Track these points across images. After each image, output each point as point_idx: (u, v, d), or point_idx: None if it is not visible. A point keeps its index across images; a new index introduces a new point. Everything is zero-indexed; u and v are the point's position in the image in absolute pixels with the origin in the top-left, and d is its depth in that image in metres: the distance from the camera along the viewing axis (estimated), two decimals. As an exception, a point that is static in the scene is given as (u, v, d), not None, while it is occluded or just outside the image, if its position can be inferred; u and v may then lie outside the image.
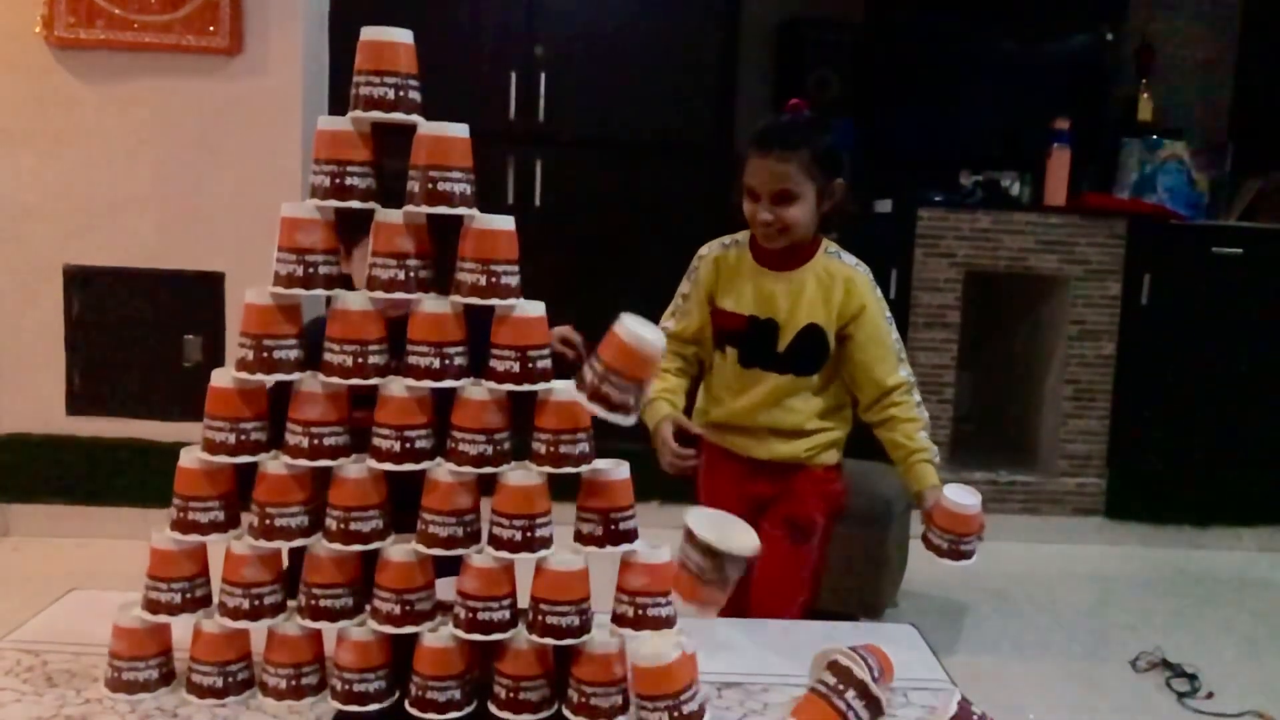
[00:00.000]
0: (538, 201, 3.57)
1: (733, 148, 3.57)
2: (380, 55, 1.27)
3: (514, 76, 3.53)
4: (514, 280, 1.29)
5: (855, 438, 2.09)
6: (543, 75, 3.54)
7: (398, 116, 1.28)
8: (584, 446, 1.30)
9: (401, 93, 1.27)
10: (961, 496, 1.75)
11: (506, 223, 1.29)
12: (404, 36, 1.28)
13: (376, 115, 1.27)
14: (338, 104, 3.44)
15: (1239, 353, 3.75)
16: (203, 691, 1.29)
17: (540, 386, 1.29)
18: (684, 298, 2.02)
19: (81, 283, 3.32)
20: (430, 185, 1.26)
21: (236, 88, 3.25)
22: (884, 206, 3.71)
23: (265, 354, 1.28)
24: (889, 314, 1.96)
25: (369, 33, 1.27)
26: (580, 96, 3.57)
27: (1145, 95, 4.01)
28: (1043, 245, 3.71)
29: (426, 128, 1.28)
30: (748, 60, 3.89)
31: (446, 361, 1.27)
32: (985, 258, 3.71)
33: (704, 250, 2.02)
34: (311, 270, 1.28)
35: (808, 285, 1.92)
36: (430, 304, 1.28)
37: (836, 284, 1.91)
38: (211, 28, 3.19)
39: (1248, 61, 4.16)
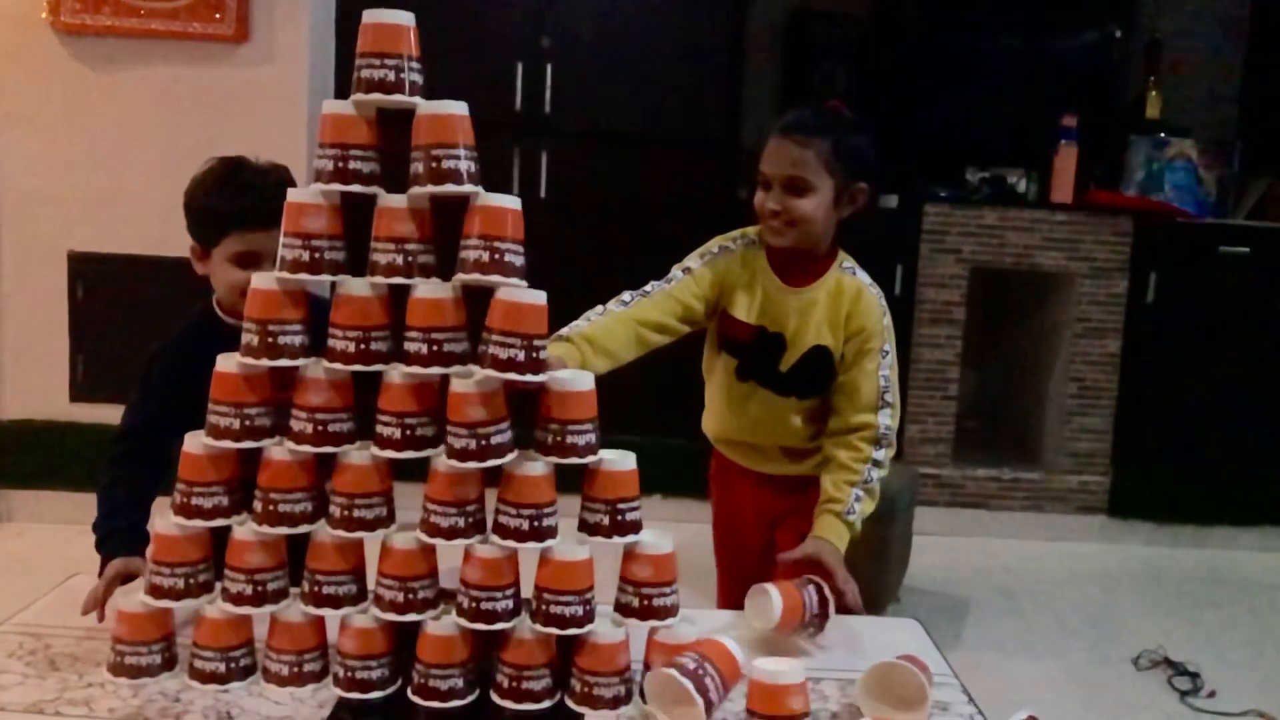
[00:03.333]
0: (543, 193, 3.57)
1: (738, 141, 3.56)
2: (381, 37, 1.26)
3: (520, 67, 3.52)
4: (518, 260, 1.27)
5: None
6: (549, 66, 3.53)
7: (398, 99, 1.26)
8: (590, 437, 1.29)
9: (402, 75, 1.26)
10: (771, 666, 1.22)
11: (513, 202, 1.28)
12: (406, 19, 1.27)
13: (377, 98, 1.26)
14: (344, 92, 3.40)
15: (1244, 352, 3.74)
16: (205, 677, 1.28)
17: (545, 376, 1.28)
18: (686, 271, 1.78)
19: (86, 269, 3.32)
20: (434, 164, 1.25)
21: (242, 75, 3.25)
22: (890, 202, 3.71)
23: (270, 339, 1.27)
24: (889, 349, 1.75)
25: (371, 15, 1.27)
26: (586, 88, 3.57)
27: (1153, 93, 4.00)
28: (1049, 242, 3.70)
29: (426, 107, 1.27)
30: (754, 54, 3.88)
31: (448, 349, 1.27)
32: (991, 254, 3.71)
33: (730, 244, 1.81)
34: (318, 255, 1.27)
35: (819, 302, 1.75)
36: (425, 289, 1.27)
37: (845, 299, 1.75)
38: (218, 15, 3.18)
39: (1256, 60, 4.15)
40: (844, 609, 1.54)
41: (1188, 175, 3.88)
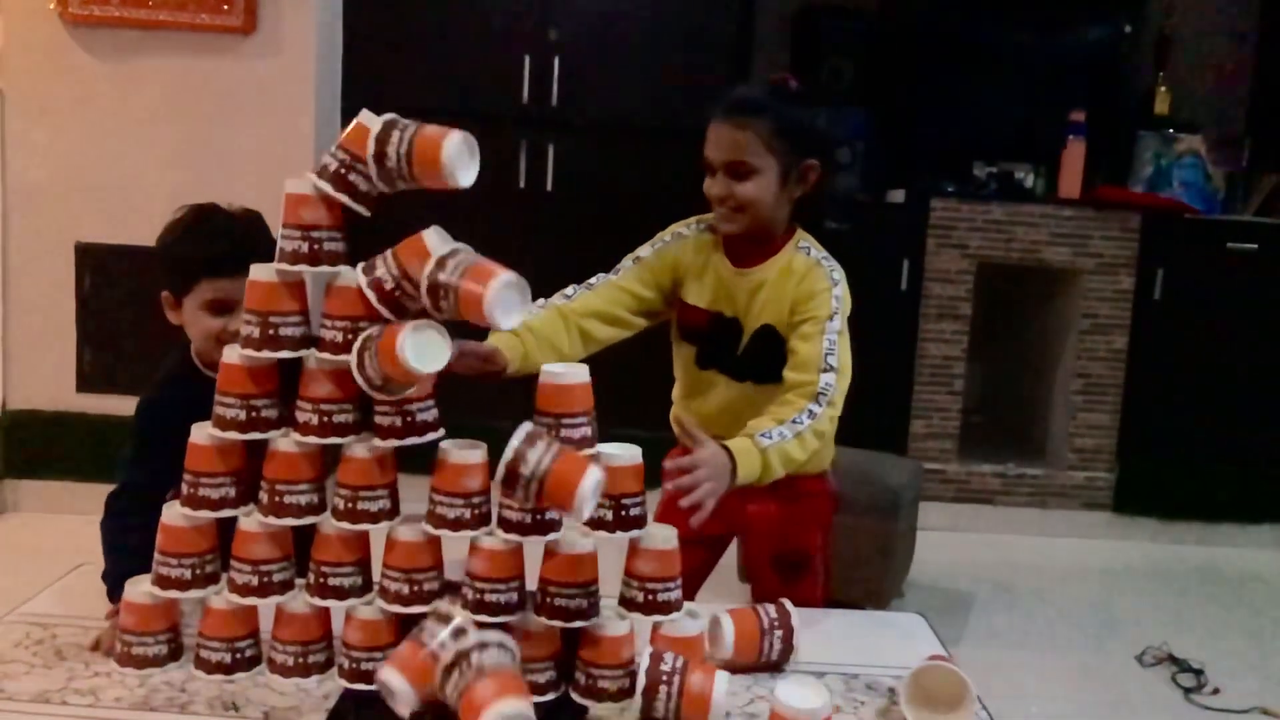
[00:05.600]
0: (549, 186, 3.56)
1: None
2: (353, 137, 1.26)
3: (527, 60, 3.51)
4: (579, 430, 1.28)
5: (861, 428, 2.05)
6: (556, 59, 3.52)
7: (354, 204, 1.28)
8: (585, 430, 1.29)
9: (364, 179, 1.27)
10: (794, 698, 1.17)
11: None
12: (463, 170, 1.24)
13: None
14: (350, 83, 3.43)
15: (1251, 349, 3.73)
16: (210, 667, 1.29)
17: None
18: (636, 260, 1.76)
19: (93, 260, 3.32)
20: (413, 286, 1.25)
21: (250, 66, 3.25)
22: (897, 197, 3.70)
23: (271, 331, 1.28)
24: (837, 319, 1.64)
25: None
26: (594, 81, 3.56)
27: (1162, 88, 3.98)
28: (1056, 238, 3.69)
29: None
30: (763, 48, 3.87)
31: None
32: (998, 249, 3.70)
33: (684, 230, 1.79)
34: (317, 247, 1.27)
35: (768, 282, 1.69)
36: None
37: (795, 276, 1.68)
38: (225, 6, 3.18)
39: (1266, 56, 4.12)
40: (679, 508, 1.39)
41: (1196, 171, 3.86)
